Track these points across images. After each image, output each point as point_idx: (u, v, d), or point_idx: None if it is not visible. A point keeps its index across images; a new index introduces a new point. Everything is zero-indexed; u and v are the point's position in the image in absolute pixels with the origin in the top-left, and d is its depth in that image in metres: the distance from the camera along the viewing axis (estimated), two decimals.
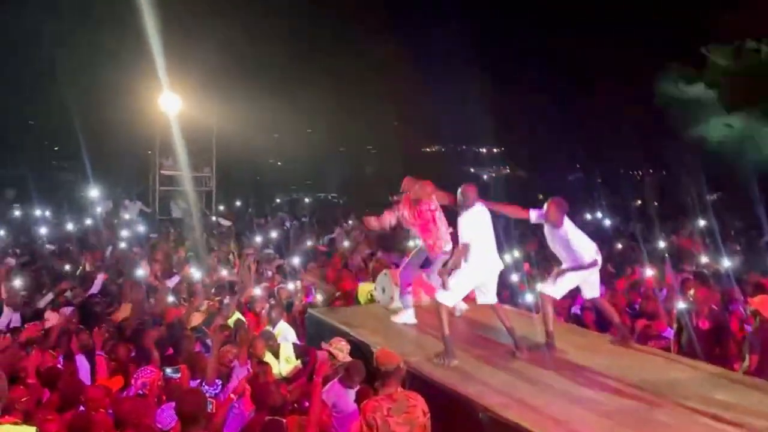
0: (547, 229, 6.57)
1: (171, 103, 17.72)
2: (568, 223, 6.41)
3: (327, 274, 10.21)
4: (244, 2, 22.59)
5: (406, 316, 7.33)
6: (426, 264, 7.35)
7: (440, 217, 7.08)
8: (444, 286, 6.25)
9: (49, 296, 8.56)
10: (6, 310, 8.01)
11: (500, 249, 6.60)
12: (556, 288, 6.47)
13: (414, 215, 7.17)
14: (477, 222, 6.21)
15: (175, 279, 9.83)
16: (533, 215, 6.59)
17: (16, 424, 3.75)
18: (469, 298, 6.66)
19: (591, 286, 6.62)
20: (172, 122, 17.59)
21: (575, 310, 8.50)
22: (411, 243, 12.43)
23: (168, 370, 5.61)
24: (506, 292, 8.80)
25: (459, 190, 6.34)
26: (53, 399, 5.20)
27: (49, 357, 6.10)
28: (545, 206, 6.45)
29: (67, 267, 10.79)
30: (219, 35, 21.14)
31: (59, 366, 5.97)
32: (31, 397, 4.97)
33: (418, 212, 7.12)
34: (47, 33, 21.26)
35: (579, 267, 6.36)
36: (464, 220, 6.21)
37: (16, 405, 4.42)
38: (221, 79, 20.72)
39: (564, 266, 6.48)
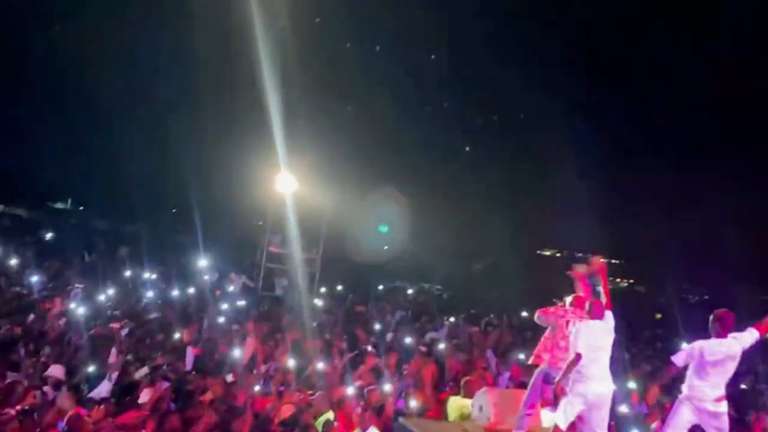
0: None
1: (287, 183, 18.58)
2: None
3: (423, 378, 10.02)
4: (366, 96, 23.70)
5: None
6: (548, 380, 7.07)
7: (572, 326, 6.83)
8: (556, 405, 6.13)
9: (145, 369, 8.95)
10: (106, 381, 8.44)
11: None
12: (668, 428, 6.19)
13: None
14: (599, 335, 6.03)
15: (272, 365, 10.06)
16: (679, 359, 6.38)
17: None
18: None
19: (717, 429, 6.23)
20: (287, 201, 18.40)
21: None
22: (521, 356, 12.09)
23: None
24: (612, 425, 8.39)
25: (588, 302, 6.27)
26: None
27: None
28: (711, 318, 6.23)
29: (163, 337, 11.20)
30: (338, 122, 22.22)
31: None
32: None
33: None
34: (171, 102, 23.09)
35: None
36: (587, 330, 6.05)
37: None
38: (337, 165, 21.63)
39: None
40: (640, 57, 24.43)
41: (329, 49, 23.15)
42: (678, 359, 6.33)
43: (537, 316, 7.23)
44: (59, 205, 36.74)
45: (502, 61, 23.93)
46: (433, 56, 26.42)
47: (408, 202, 24.80)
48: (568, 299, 7.08)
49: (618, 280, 35.28)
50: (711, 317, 6.34)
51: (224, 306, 15.25)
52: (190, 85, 23.23)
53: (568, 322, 6.83)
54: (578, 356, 5.97)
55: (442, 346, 13.09)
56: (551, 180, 25.89)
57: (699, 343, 6.28)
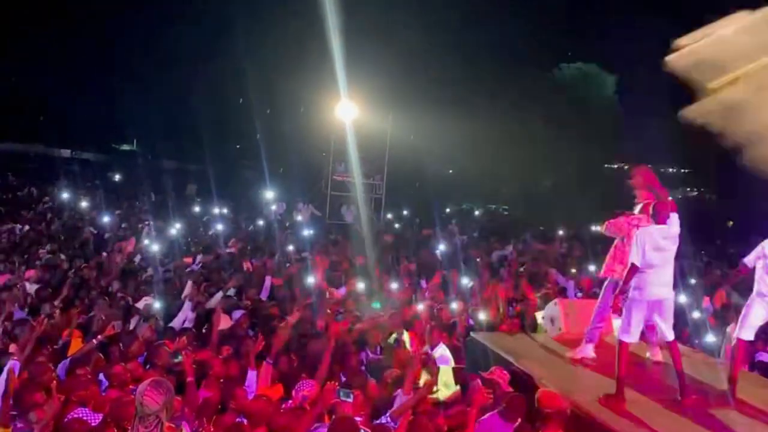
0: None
1: (347, 111, 18.66)
2: None
3: (498, 294, 10.12)
4: (426, 15, 23.31)
5: (586, 350, 7.12)
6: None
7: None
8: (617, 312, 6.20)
9: (219, 295, 9.40)
10: (186, 306, 8.91)
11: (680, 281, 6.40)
12: (742, 328, 6.20)
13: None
14: (658, 242, 6.00)
15: (343, 290, 10.40)
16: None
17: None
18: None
19: None
20: (348, 130, 18.53)
21: (762, 357, 7.94)
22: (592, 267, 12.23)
23: (342, 392, 5.65)
24: (686, 330, 8.46)
25: (652, 204, 6.21)
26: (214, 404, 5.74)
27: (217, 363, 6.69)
28: None
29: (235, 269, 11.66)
30: (398, 46, 22.01)
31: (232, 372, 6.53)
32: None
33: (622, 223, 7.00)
34: (235, 39, 23.26)
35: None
36: (642, 238, 6.03)
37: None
38: (397, 89, 21.55)
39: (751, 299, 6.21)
40: None
41: None
42: (748, 260, 6.34)
43: (605, 228, 7.18)
44: (125, 147, 38.01)
45: None
46: None
47: (471, 124, 24.53)
48: (638, 208, 6.99)
49: (688, 189, 34.56)
50: None
51: (293, 235, 15.70)
52: (249, 21, 23.35)
53: (637, 228, 6.74)
54: (633, 267, 5.96)
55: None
56: (615, 97, 25.28)
57: (765, 242, 6.25)
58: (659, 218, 6.05)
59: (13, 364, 5.70)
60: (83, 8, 26.67)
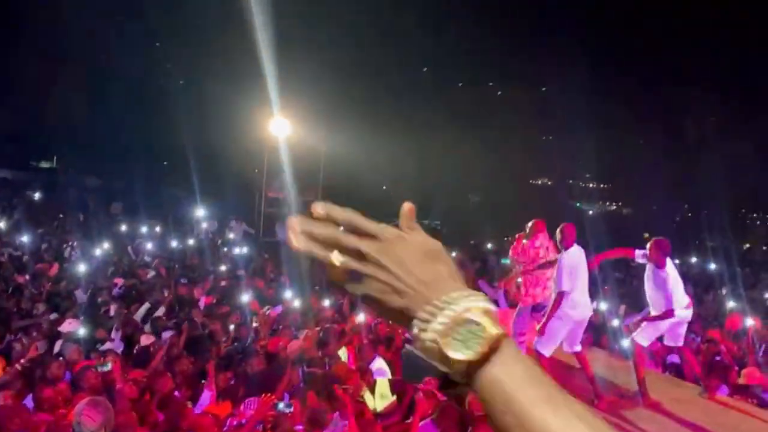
0: (647, 271, 6.82)
1: (280, 127, 18.82)
2: (670, 267, 6.64)
3: None
4: (357, 30, 23.76)
5: None
6: (539, 308, 7.63)
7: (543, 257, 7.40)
8: (540, 333, 6.66)
9: (144, 308, 9.48)
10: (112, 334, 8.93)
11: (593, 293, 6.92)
12: (642, 334, 6.74)
13: (519, 252, 7.56)
14: (574, 265, 6.54)
15: (278, 308, 10.56)
16: (638, 254, 6.86)
17: None
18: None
19: (675, 336, 6.84)
20: (281, 146, 18.69)
21: (673, 359, 8.60)
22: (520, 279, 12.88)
23: (281, 405, 5.85)
24: (605, 336, 9.07)
25: (558, 228, 6.72)
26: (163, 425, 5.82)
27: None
28: (648, 246, 6.71)
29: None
30: (331, 62, 22.35)
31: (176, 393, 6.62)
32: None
33: (523, 249, 7.51)
34: (163, 53, 23.14)
35: (663, 317, 6.58)
36: (563, 262, 6.56)
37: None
38: (331, 105, 21.86)
39: (652, 313, 6.74)
40: None
41: None
42: (637, 254, 6.94)
43: (510, 256, 7.78)
44: (45, 165, 37.03)
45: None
46: None
47: (404, 140, 25.14)
48: (529, 226, 7.55)
49: (607, 203, 36.67)
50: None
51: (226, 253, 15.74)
52: (180, 34, 23.25)
53: (537, 254, 7.36)
54: (562, 293, 6.50)
55: None
56: (540, 113, 26.63)
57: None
58: (567, 242, 6.59)
59: None
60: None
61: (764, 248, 23.72)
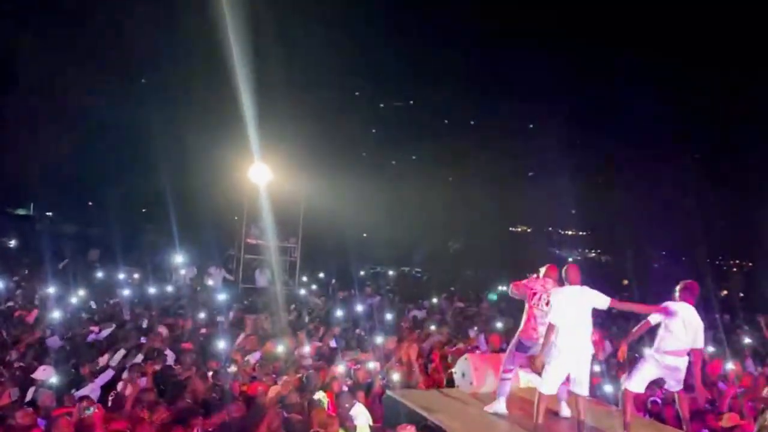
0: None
1: (261, 173, 18.89)
2: (693, 312, 6.79)
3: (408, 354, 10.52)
4: (338, 79, 24.19)
5: (498, 406, 7.55)
6: (525, 348, 7.66)
7: (540, 299, 7.47)
8: (539, 372, 6.72)
9: (121, 353, 9.43)
10: (88, 382, 8.82)
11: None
12: (634, 382, 6.82)
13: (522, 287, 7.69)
14: (570, 303, 6.62)
15: (257, 355, 10.49)
16: (653, 317, 6.99)
17: None
18: None
19: (677, 381, 6.93)
20: (261, 192, 18.74)
21: (655, 398, 8.67)
22: (499, 324, 13.12)
23: None
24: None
25: (563, 268, 6.87)
26: None
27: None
28: (678, 288, 6.86)
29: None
30: (311, 108, 22.65)
31: None
32: None
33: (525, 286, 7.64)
34: (142, 99, 23.27)
35: (641, 327, 6.72)
36: (557, 298, 6.66)
37: None
38: (311, 151, 22.08)
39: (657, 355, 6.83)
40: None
41: (300, 41, 23.52)
42: (653, 318, 7.02)
43: (510, 290, 7.88)
44: (21, 212, 36.77)
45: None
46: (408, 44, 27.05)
47: (384, 188, 25.40)
48: (543, 269, 7.68)
49: (586, 251, 37.14)
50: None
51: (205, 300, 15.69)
52: (159, 82, 23.46)
53: (534, 294, 7.46)
54: (551, 326, 6.58)
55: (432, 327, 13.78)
56: (520, 162, 27.14)
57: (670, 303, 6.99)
58: (571, 279, 6.71)
59: None
60: None
61: (741, 295, 23.98)
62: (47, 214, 33.34)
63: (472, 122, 28.87)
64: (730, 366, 10.18)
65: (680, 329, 6.73)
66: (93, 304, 14.96)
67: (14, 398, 7.80)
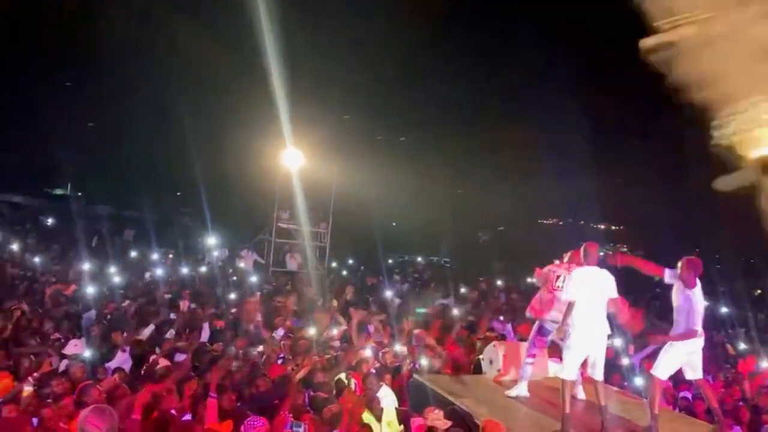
0: (675, 291, 6.75)
1: (293, 158, 18.91)
2: (698, 289, 6.60)
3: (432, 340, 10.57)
4: (372, 64, 24.05)
5: (520, 389, 7.58)
6: (547, 333, 7.62)
7: (562, 281, 7.39)
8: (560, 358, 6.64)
9: (151, 327, 9.55)
10: (120, 353, 8.95)
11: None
12: (660, 368, 6.68)
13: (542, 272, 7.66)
14: (588, 282, 6.50)
15: (281, 331, 10.56)
16: (667, 273, 6.81)
17: None
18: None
19: (693, 367, 6.74)
20: (293, 177, 18.76)
21: (685, 394, 8.53)
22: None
23: (294, 424, 5.93)
24: (617, 375, 9.00)
25: (582, 247, 6.75)
26: None
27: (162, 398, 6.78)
28: (679, 264, 6.68)
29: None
30: (344, 95, 22.59)
31: (173, 411, 6.60)
32: None
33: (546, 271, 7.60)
34: (177, 83, 23.40)
35: (684, 336, 6.53)
36: (574, 276, 6.55)
37: None
38: (344, 138, 22.02)
39: (670, 334, 6.68)
40: None
41: (333, 23, 23.42)
42: (666, 274, 6.89)
43: (534, 276, 7.85)
44: (58, 191, 37.37)
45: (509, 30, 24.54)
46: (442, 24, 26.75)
47: (416, 176, 25.26)
48: (567, 255, 7.60)
49: (618, 245, 36.49)
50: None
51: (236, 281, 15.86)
52: (194, 68, 23.57)
53: (558, 277, 7.39)
54: (570, 304, 6.47)
55: (456, 311, 13.78)
56: (553, 153, 26.67)
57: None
58: (590, 259, 6.59)
59: None
60: (14, 47, 26.42)
61: None
62: (83, 194, 33.83)
63: (503, 113, 28.36)
64: (765, 363, 9.99)
65: (694, 311, 6.58)
66: (126, 281, 15.17)
67: (54, 367, 7.95)
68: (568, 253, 7.62)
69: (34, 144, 29.32)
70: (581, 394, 7.47)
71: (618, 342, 9.62)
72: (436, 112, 27.78)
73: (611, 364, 7.84)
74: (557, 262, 7.76)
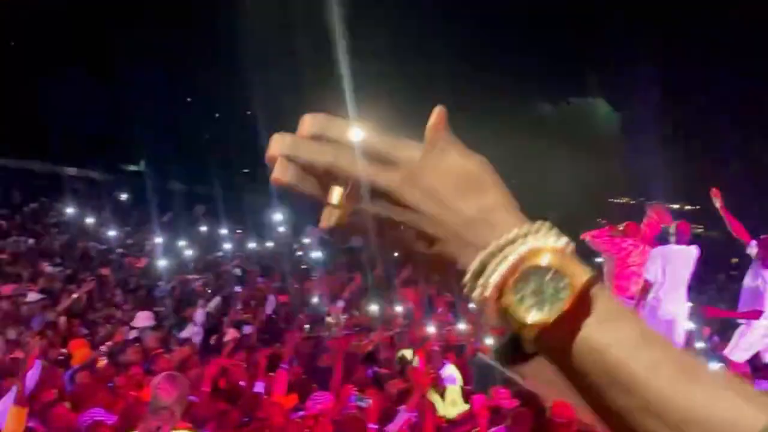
0: (750, 269, 6.50)
1: (357, 135, 18.83)
2: None
3: None
4: (438, 42, 23.78)
5: None
6: None
7: (634, 257, 7.15)
8: None
9: (217, 299, 9.71)
10: (196, 318, 9.15)
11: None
12: (736, 351, 6.41)
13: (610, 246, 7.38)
14: (671, 262, 6.26)
15: (341, 303, 10.61)
16: (751, 244, 6.56)
17: (190, 430, 4.42)
18: None
19: None
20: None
21: (762, 385, 8.16)
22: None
23: (358, 398, 5.95)
24: None
25: (673, 225, 6.52)
26: (233, 414, 5.84)
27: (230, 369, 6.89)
28: (757, 241, 6.44)
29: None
30: (409, 73, 22.38)
31: (242, 383, 6.69)
32: (205, 406, 5.69)
33: (614, 244, 7.32)
34: (243, 64, 23.66)
35: (748, 315, 6.25)
36: (657, 256, 6.31)
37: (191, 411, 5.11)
38: (407, 116, 21.79)
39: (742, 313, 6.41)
40: None
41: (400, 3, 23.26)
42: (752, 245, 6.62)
43: (588, 240, 7.51)
44: (132, 168, 38.39)
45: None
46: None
47: (479, 154, 24.94)
48: (621, 227, 7.34)
49: (692, 226, 35.15)
50: None
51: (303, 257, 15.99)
52: (258, 45, 23.76)
53: (628, 254, 7.11)
54: (647, 283, 6.23)
55: None
56: (622, 129, 25.90)
57: None
58: (679, 239, 6.34)
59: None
60: (92, 27, 27.13)
61: None
62: (156, 171, 34.66)
63: (570, 91, 27.69)
64: None
65: (762, 292, 6.29)
66: (196, 255, 15.49)
67: (126, 337, 8.18)
68: (622, 226, 7.36)
69: (110, 122, 30.25)
70: None
71: (691, 325, 9.25)
72: (502, 88, 27.34)
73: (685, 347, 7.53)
74: (610, 230, 7.48)
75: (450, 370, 7.86)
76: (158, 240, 15.60)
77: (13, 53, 26.67)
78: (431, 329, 9.27)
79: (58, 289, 10.39)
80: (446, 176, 0.69)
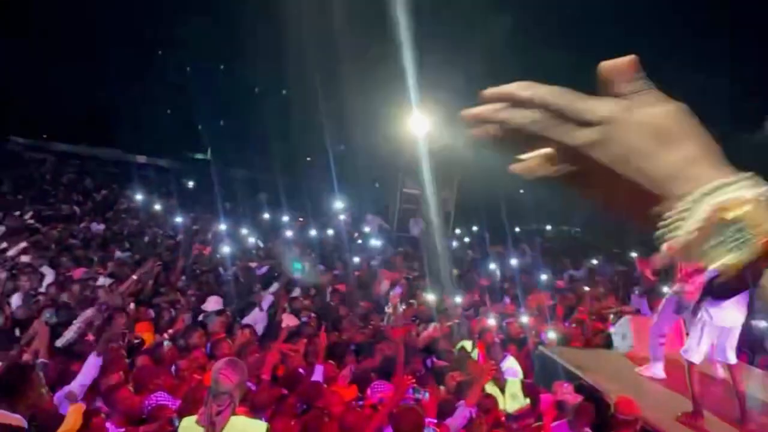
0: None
1: (420, 124, 18.75)
2: None
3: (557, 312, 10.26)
4: (501, 28, 23.37)
5: (655, 370, 7.12)
6: (681, 310, 7.12)
7: None
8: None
9: (276, 285, 9.80)
10: (257, 310, 9.22)
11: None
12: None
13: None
14: None
15: (398, 289, 10.55)
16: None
17: (249, 415, 4.45)
18: None
19: None
20: (420, 143, 18.62)
21: None
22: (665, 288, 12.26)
23: (415, 390, 5.87)
24: (744, 353, 8.30)
25: None
26: (291, 401, 5.87)
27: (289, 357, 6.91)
28: None
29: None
30: (471, 58, 22.03)
31: (301, 370, 6.71)
32: (265, 393, 5.71)
33: None
34: (305, 55, 23.80)
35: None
36: None
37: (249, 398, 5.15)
38: (470, 103, 21.54)
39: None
40: None
41: None
42: None
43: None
44: (199, 156, 39.17)
45: None
46: None
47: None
48: None
49: None
50: None
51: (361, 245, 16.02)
52: (319, 35, 23.85)
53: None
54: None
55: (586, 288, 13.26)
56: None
57: None
58: None
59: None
60: (161, 21, 27.72)
61: None
62: (221, 159, 35.30)
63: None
64: None
65: None
66: (260, 243, 15.67)
67: (187, 324, 8.31)
68: None
69: (179, 114, 30.99)
70: (720, 373, 6.94)
71: (763, 323, 8.85)
72: (567, 72, 26.70)
73: (758, 346, 7.19)
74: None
75: (511, 363, 7.72)
76: (223, 227, 15.86)
77: (86, 45, 27.38)
78: (492, 321, 9.13)
79: (126, 274, 10.65)
80: (644, 129, 0.70)
